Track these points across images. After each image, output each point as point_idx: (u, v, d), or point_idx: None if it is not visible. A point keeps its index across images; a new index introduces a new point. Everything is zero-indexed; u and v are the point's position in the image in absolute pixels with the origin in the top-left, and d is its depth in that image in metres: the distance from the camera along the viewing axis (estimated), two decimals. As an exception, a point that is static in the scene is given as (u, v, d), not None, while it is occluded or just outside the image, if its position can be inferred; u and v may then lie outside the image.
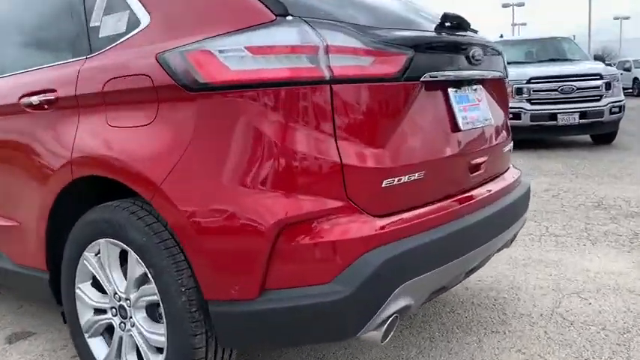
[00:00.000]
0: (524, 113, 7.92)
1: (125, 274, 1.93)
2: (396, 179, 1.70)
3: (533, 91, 7.98)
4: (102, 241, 1.94)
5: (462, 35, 2.06)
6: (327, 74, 1.58)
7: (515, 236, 2.43)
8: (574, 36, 14.18)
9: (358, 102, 1.64)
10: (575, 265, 3.29)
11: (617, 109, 7.98)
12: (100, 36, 2.00)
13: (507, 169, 2.47)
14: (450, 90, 1.96)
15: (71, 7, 2.14)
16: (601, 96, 7.93)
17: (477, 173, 2.09)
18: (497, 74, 2.34)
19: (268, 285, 1.61)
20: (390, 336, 1.74)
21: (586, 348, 2.30)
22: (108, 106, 1.88)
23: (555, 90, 7.91)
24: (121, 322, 1.97)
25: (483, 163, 2.13)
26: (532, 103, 7.99)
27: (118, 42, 1.91)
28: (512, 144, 2.53)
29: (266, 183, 1.58)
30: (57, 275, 2.17)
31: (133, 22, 1.89)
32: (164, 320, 1.78)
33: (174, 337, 1.76)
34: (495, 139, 2.24)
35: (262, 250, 1.58)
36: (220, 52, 1.62)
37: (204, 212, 1.62)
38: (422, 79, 1.79)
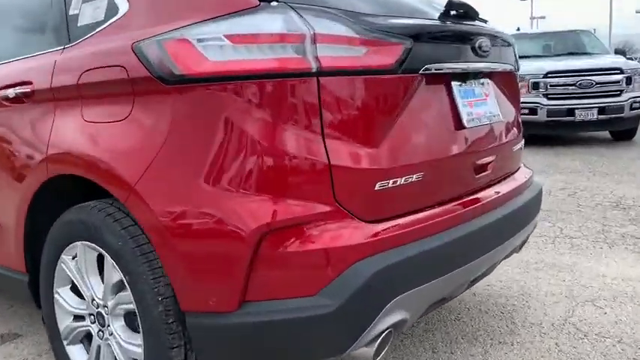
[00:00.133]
0: (541, 108, 7.69)
1: (103, 280, 1.80)
2: (391, 181, 1.55)
3: (550, 85, 7.74)
4: (78, 243, 1.82)
5: (468, 24, 1.90)
6: (313, 65, 1.43)
7: (525, 241, 2.26)
8: (594, 29, 13.82)
9: (349, 96, 1.49)
10: (590, 270, 3.11)
11: (638, 105, 7.72)
12: (78, 24, 1.88)
13: (518, 169, 2.31)
14: (454, 84, 1.80)
15: (51, -7, 2.02)
16: (621, 91, 7.67)
17: (483, 174, 1.93)
18: (507, 67, 2.17)
19: (249, 296, 1.47)
20: (383, 352, 1.60)
21: (600, 363, 2.14)
22: (84, 100, 1.75)
23: (573, 84, 7.67)
24: (100, 330, 1.85)
25: (490, 163, 1.97)
26: (549, 98, 7.75)
27: (96, 31, 1.79)
28: (523, 142, 2.36)
29: (245, 185, 1.44)
30: (37, 278, 2.06)
31: (112, 9, 1.76)
32: (140, 330, 1.65)
33: (151, 349, 1.63)
34: (504, 137, 2.07)
35: (242, 257, 1.44)
36: (199, 41, 1.48)
37: (180, 215, 1.49)
38: (421, 71, 1.63)
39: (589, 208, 4.49)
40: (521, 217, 2.08)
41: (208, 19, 1.49)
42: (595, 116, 7.60)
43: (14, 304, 2.94)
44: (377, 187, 1.52)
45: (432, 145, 1.68)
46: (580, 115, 7.62)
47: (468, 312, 2.63)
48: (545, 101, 7.72)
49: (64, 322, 1.97)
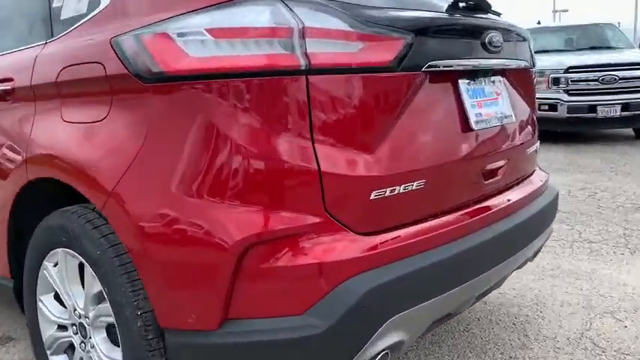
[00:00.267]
0: (561, 105, 7.44)
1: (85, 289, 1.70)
2: (388, 190, 1.41)
3: (572, 81, 7.48)
4: (59, 250, 1.72)
5: (477, 17, 1.75)
6: (302, 62, 1.30)
7: (539, 250, 2.11)
8: (619, 23, 13.42)
9: (342, 96, 1.36)
10: (610, 279, 2.94)
11: (663, 102, 7.43)
12: (61, 18, 1.77)
13: (532, 173, 2.15)
14: (461, 82, 1.66)
15: (35, -15, 1.91)
16: (646, 87, 7.39)
17: (493, 180, 1.78)
18: (521, 63, 2.01)
19: (231, 314, 1.36)
20: (378, 375, 1.47)
21: (619, 383, 1.98)
22: (63, 99, 1.65)
23: (596, 80, 7.40)
24: (82, 341, 1.75)
25: (501, 167, 1.82)
26: (570, 94, 7.50)
27: (77, 25, 1.68)
28: (538, 143, 2.20)
29: (226, 193, 1.32)
30: (22, 284, 1.97)
31: (94, 1, 1.65)
32: (120, 345, 1.55)
33: (130, 366, 1.52)
34: (517, 139, 1.92)
35: (224, 271, 1.32)
36: (180, 35, 1.36)
37: (157, 224, 1.37)
38: (424, 69, 1.49)
39: (610, 210, 4.29)
40: (535, 225, 1.93)
41: (191, 11, 1.37)
42: (618, 113, 7.33)
43: (10, 306, 2.87)
44: (372, 197, 1.39)
45: (435, 150, 1.54)
46: (602, 112, 7.36)
47: (478, 322, 2.49)
48: (565, 97, 7.48)
49: (48, 332, 1.88)
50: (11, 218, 1.89)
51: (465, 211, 1.64)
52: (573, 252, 3.38)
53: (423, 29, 1.48)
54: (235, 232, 1.31)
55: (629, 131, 8.46)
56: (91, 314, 1.67)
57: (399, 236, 1.43)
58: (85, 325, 1.71)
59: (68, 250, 1.67)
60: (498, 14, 2.00)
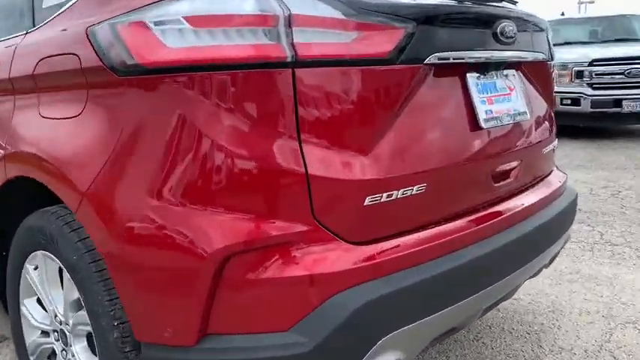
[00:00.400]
0: (585, 99, 7.19)
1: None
2: (385, 195, 1.28)
3: (596, 74, 7.22)
4: (39, 253, 1.63)
5: (489, 5, 1.60)
6: (288, 54, 1.17)
7: (556, 256, 1.96)
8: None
9: (333, 92, 1.22)
10: (633, 285, 2.77)
11: (691, 96, 7.13)
12: (43, 6, 1.67)
13: (549, 174, 2.00)
14: (470, 76, 1.52)
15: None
16: (674, 81, 7.10)
17: (505, 183, 1.64)
18: (538, 56, 1.86)
19: (211, 329, 1.24)
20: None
21: (640, 403, 1.83)
22: (41, 93, 1.55)
23: (621, 73, 7.13)
24: (63, 349, 1.66)
25: (514, 169, 1.67)
26: (594, 88, 7.24)
27: (58, 13, 1.57)
28: (556, 142, 2.05)
29: (205, 197, 1.20)
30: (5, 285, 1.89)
31: (75, -13, 1.53)
32: (97, 355, 1.45)
33: (107, 379, 1.42)
34: (532, 138, 1.77)
35: (201, 282, 1.20)
36: (157, 24, 1.24)
37: (130, 229, 1.26)
38: (427, 61, 1.35)
39: (634, 211, 4.09)
40: (551, 230, 1.78)
41: (172, -2, 1.25)
42: (644, 108, 7.06)
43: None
44: (367, 202, 1.26)
45: (438, 151, 1.40)
46: (628, 107, 7.09)
47: (489, 331, 2.35)
48: (589, 91, 7.22)
49: (31, 337, 1.80)
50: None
51: (472, 217, 1.50)
52: (594, 255, 3.21)
53: (426, 17, 1.34)
54: (214, 240, 1.19)
55: (656, 127, 8.17)
56: (70, 321, 1.58)
57: (396, 246, 1.30)
58: (66, 332, 1.62)
59: (47, 253, 1.57)
60: (514, 2, 1.84)
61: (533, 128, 1.79)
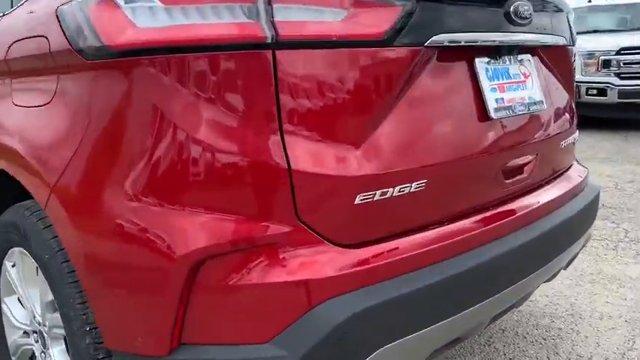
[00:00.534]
0: (611, 89, 6.90)
1: (42, 294, 1.51)
2: (379, 192, 1.15)
3: (624, 63, 6.93)
4: (16, 250, 1.53)
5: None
6: (268, 34, 1.04)
7: (574, 258, 1.81)
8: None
9: (319, 77, 1.09)
10: (659, 287, 2.60)
11: None
12: (21, -14, 1.56)
13: (568, 168, 1.84)
14: (478, 61, 1.37)
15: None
16: None
17: (517, 178, 1.50)
18: (558, 40, 1.69)
19: (185, 338, 1.13)
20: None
21: (666, 420, 1.68)
22: (13, 79, 1.44)
23: (651, 62, 6.84)
24: (42, 351, 1.57)
25: (528, 164, 1.53)
26: (621, 78, 6.95)
27: (32, -7, 1.46)
28: (577, 134, 1.88)
29: (178, 192, 1.09)
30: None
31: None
32: (71, 361, 1.35)
33: (80, 386, 1.32)
34: (549, 130, 1.62)
35: (172, 287, 1.09)
36: (127, 1, 1.12)
37: (97, 227, 1.16)
38: (428, 44, 1.21)
39: (662, 207, 3.89)
40: (569, 230, 1.63)
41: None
42: (674, 98, 6.77)
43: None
44: (358, 201, 1.13)
45: (440, 143, 1.26)
46: (657, 97, 6.80)
47: (502, 335, 2.20)
48: (617, 81, 6.93)
49: (12, 337, 1.71)
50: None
51: (479, 217, 1.36)
52: (618, 254, 3.03)
53: (427, -6, 1.20)
54: (186, 240, 1.08)
55: (687, 118, 7.83)
56: (47, 323, 1.48)
57: (391, 249, 1.17)
58: (44, 333, 1.53)
59: (23, 250, 1.48)
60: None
61: (551, 119, 1.63)
